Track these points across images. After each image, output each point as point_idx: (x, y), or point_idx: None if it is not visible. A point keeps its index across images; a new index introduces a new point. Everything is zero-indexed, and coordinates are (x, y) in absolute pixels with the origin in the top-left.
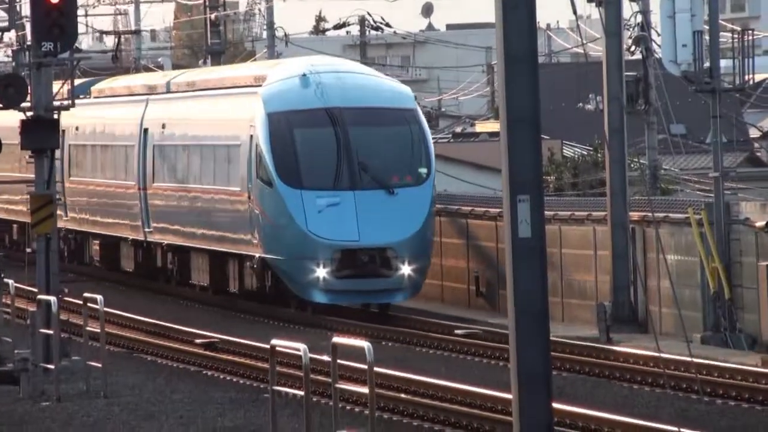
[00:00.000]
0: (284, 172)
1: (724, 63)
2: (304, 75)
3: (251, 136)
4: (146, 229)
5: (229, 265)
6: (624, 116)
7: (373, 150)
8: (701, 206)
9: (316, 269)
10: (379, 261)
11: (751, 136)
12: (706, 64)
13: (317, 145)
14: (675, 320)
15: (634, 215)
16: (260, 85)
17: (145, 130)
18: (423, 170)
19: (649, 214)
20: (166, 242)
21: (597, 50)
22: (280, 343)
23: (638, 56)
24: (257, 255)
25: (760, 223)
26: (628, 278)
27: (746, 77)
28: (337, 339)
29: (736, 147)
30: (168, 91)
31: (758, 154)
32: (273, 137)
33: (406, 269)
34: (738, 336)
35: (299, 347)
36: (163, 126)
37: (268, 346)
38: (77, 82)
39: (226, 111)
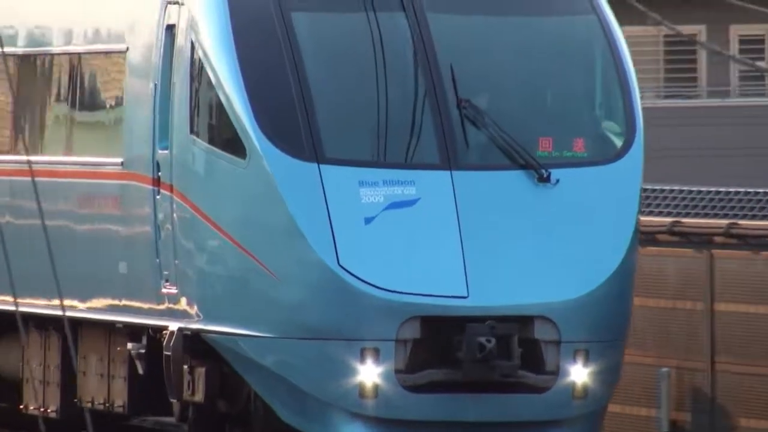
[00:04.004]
0: (277, 124)
1: None
2: None
3: (169, 28)
4: None
5: (104, 361)
6: None
7: (494, 74)
8: None
9: (356, 366)
10: (514, 350)
11: None
12: None
13: (354, 58)
14: None
15: None
16: None
17: None
18: (615, 128)
19: None
20: None
21: None
22: None
23: None
24: (175, 327)
25: None
26: None
27: None
28: None
29: None
30: None
31: None
32: (239, 28)
33: (579, 372)
34: None
35: None
36: None
37: None
38: None
39: None
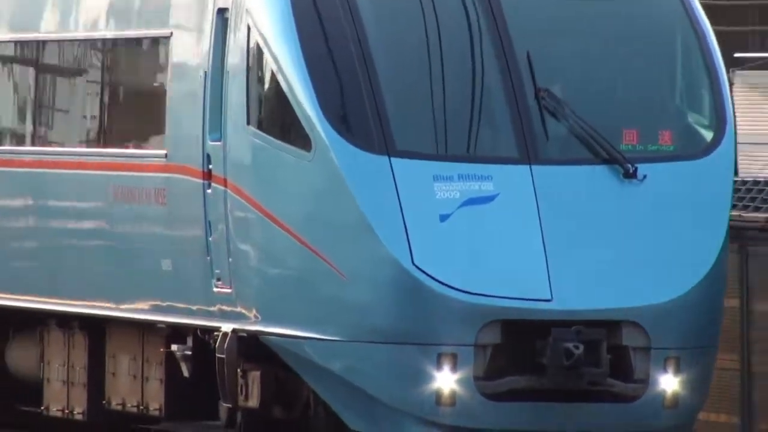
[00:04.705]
0: (344, 114)
1: None
2: None
3: (221, 12)
4: None
5: (137, 361)
6: None
7: (574, 61)
8: None
9: (432, 372)
10: (603, 357)
11: None
12: None
13: (423, 44)
14: None
15: None
16: None
17: None
18: (703, 120)
19: None
20: None
21: None
22: None
23: None
24: (228, 328)
25: None
26: None
27: None
28: None
29: None
30: None
31: None
32: (301, 14)
33: (670, 381)
34: None
35: None
36: None
37: None
38: None
39: None
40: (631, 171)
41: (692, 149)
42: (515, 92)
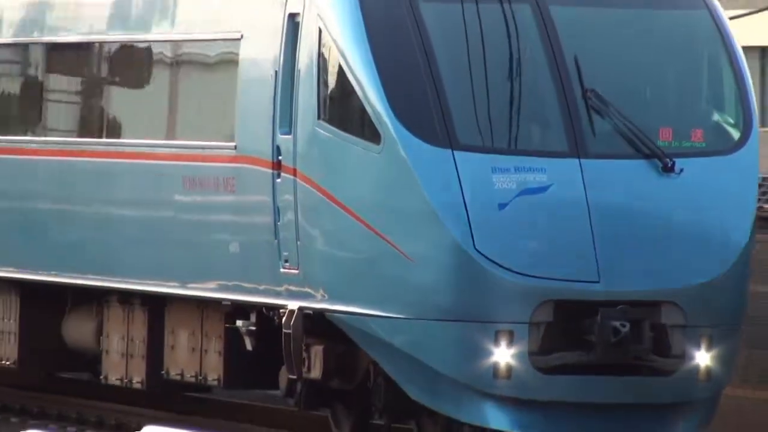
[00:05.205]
0: (411, 111)
1: None
2: None
3: (292, 16)
4: None
5: (196, 335)
6: None
7: (616, 65)
8: None
9: (491, 348)
10: (646, 335)
11: None
12: None
13: (481, 47)
14: None
15: None
16: None
17: None
18: (730, 119)
19: None
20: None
21: None
22: None
23: None
24: (295, 306)
25: None
26: None
27: None
28: None
29: None
30: None
31: None
32: (371, 19)
33: (703, 356)
34: None
35: None
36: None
37: None
38: None
39: None
40: (669, 165)
41: (722, 146)
42: (565, 92)
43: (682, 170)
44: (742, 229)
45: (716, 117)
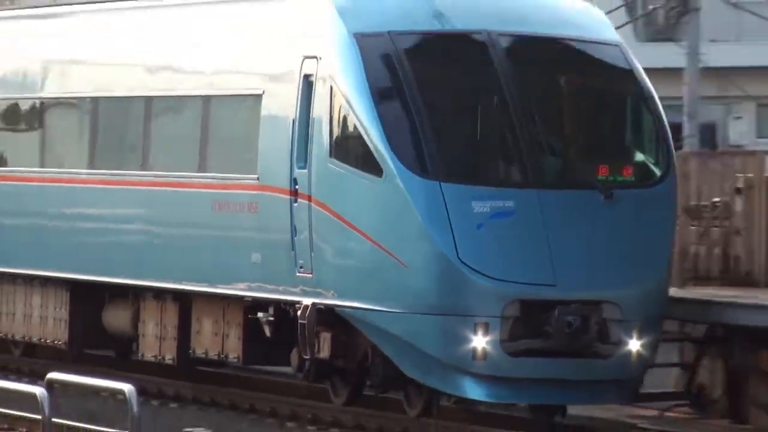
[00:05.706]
0: (409, 149)
1: None
2: None
3: (306, 77)
4: None
5: (219, 323)
6: None
7: (566, 114)
8: None
9: (470, 336)
10: (592, 327)
11: None
12: None
13: (465, 100)
14: None
15: None
16: None
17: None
18: (651, 159)
19: None
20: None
21: None
22: None
23: None
24: (309, 302)
25: None
26: None
27: None
28: None
29: None
30: None
31: None
32: (373, 79)
33: (634, 345)
34: None
35: None
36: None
37: None
38: None
39: (233, 30)
40: (611, 196)
41: (647, 180)
42: (529, 136)
43: (617, 199)
44: (665, 245)
45: (645, 154)
